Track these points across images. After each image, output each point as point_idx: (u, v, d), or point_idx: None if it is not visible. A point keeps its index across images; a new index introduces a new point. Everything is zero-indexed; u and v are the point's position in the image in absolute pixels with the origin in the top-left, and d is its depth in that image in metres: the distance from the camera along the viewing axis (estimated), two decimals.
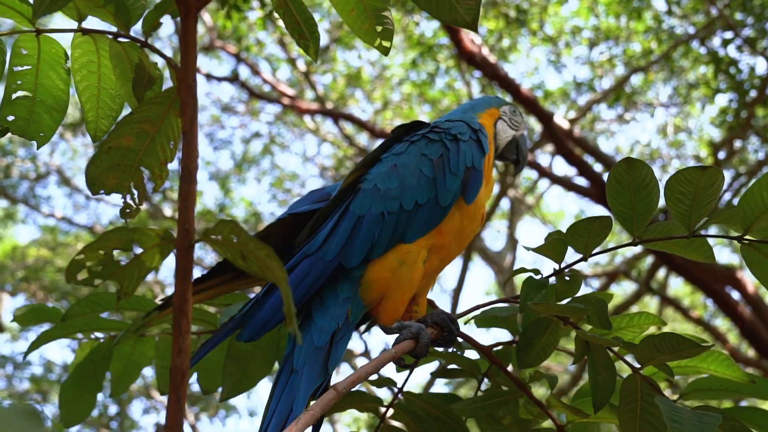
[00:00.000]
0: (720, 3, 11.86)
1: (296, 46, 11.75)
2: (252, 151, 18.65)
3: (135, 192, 1.70)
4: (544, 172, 13.12)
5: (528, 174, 17.15)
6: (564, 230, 2.11)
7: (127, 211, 1.71)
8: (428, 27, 14.00)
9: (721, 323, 17.67)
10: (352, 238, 2.11)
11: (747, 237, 1.98)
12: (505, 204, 17.69)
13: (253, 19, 13.69)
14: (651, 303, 18.87)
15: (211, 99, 19.41)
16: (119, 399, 17.44)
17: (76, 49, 1.85)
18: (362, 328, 2.29)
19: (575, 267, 2.16)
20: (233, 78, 15.28)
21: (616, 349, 2.06)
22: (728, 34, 11.78)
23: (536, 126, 14.38)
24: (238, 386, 2.37)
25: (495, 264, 17.07)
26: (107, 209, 17.95)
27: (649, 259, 13.66)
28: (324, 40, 15.77)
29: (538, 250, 2.13)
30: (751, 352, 14.41)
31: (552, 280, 2.17)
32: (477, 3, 1.73)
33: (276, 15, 10.88)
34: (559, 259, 2.13)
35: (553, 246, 2.11)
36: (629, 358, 2.06)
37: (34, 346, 2.28)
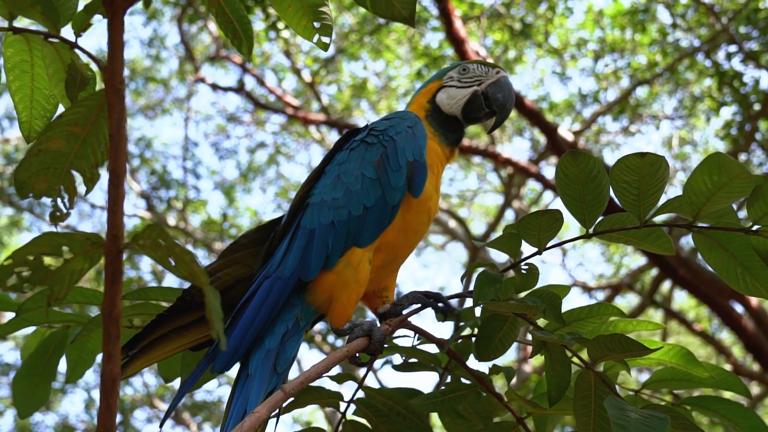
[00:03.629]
0: (724, 17, 11.86)
1: (302, 56, 11.75)
2: (257, 160, 18.68)
3: (65, 196, 1.68)
4: (548, 184, 13.09)
5: (533, 185, 17.14)
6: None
7: (57, 215, 1.69)
8: (433, 38, 14.03)
9: (726, 336, 17.59)
10: (306, 253, 2.14)
11: (696, 224, 1.96)
12: (509, 215, 17.68)
13: (257, 29, 13.72)
14: (655, 316, 18.80)
15: (216, 108, 19.46)
16: (122, 408, 17.42)
17: (8, 48, 1.83)
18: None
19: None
20: (239, 88, 15.30)
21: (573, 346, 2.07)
22: (732, 48, 11.77)
23: (541, 138, 14.38)
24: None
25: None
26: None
27: (654, 272, 13.61)
28: (329, 50, 15.78)
29: (491, 244, 2.13)
30: (755, 366, 14.34)
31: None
32: None
33: (280, 25, 10.92)
34: (514, 253, 2.12)
35: (507, 240, 2.11)
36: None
37: None
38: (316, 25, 1.85)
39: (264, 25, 12.27)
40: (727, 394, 3.43)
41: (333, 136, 17.37)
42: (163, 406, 17.71)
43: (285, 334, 2.12)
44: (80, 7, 1.78)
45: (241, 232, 17.95)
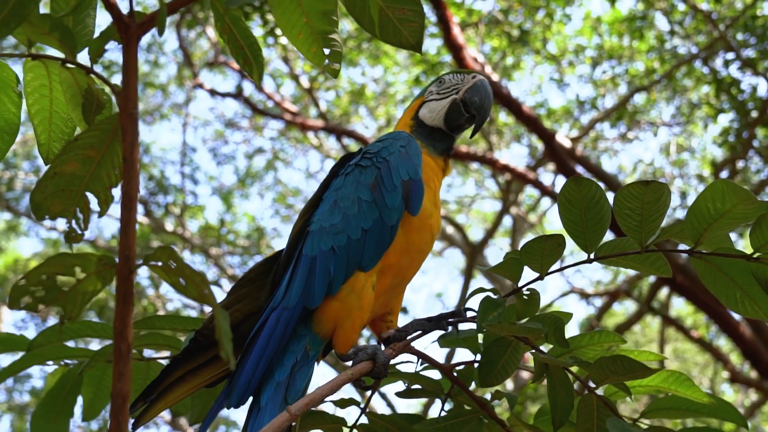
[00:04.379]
0: (722, 24, 11.88)
1: (300, 62, 11.76)
2: (255, 166, 18.69)
3: (80, 217, 1.71)
4: (546, 191, 13.10)
5: (530, 192, 17.16)
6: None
7: (72, 235, 1.71)
8: (432, 44, 14.04)
9: (724, 343, 17.59)
10: (309, 280, 2.15)
11: (698, 249, 1.98)
12: (507, 221, 17.69)
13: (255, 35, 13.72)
14: (653, 323, 18.79)
15: (215, 114, 19.48)
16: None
17: (28, 73, 1.87)
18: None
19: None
20: (237, 94, 15.32)
21: (574, 370, 2.08)
22: (730, 55, 11.79)
23: (539, 144, 14.39)
24: (205, 410, 2.41)
25: (497, 282, 17.03)
26: (110, 223, 17.98)
27: (652, 278, 13.61)
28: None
29: (494, 269, 2.14)
30: (753, 374, 14.33)
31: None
32: (420, 25, 1.76)
33: (278, 32, 10.95)
34: (516, 278, 2.13)
35: (510, 265, 2.12)
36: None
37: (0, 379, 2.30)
38: (326, 51, 1.88)
39: (262, 32, 12.28)
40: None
41: (331, 142, 17.40)
42: (161, 414, 17.68)
43: (294, 366, 2.13)
44: (96, 34, 1.81)
45: (238, 238, 18.01)
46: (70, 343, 2.31)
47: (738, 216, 1.87)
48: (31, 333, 18.98)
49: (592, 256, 2.09)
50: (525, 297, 2.13)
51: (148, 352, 2.43)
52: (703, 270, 2.00)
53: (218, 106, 26.44)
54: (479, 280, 19.50)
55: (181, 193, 17.56)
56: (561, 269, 2.16)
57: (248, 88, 15.79)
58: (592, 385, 2.02)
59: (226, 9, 1.59)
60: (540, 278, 2.13)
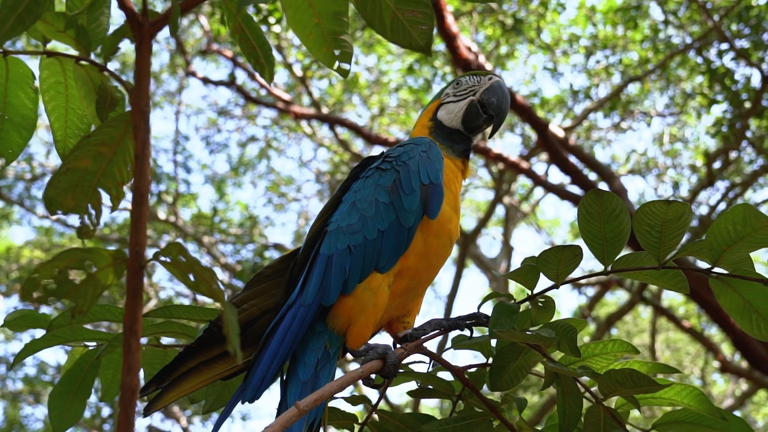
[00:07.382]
0: (716, 14, 11.90)
1: (293, 50, 11.71)
2: (248, 154, 18.66)
3: (92, 212, 1.72)
4: (539, 180, 13.12)
5: (523, 181, 17.18)
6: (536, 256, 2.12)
7: (84, 231, 1.73)
8: None
9: (715, 333, 17.68)
10: (326, 278, 2.17)
11: (715, 269, 1.99)
12: (500, 211, 17.72)
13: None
14: (644, 312, 18.87)
15: (207, 102, 19.43)
16: (112, 401, 17.40)
17: (43, 70, 1.88)
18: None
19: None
20: (230, 82, 15.27)
21: (585, 380, 2.09)
22: (724, 45, 11.82)
23: (532, 134, 14.41)
24: (220, 399, 2.44)
25: (490, 271, 17.08)
26: (103, 212, 17.90)
27: None
28: None
29: (510, 276, 2.14)
30: (744, 364, 14.43)
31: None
32: (429, 28, 1.78)
33: (270, 20, 10.92)
34: (531, 285, 2.14)
35: (526, 272, 2.12)
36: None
37: (21, 356, 2.33)
38: (336, 52, 1.89)
39: (255, 19, 12.24)
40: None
41: (324, 131, 17.38)
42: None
43: (317, 365, 2.14)
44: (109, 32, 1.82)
45: (231, 226, 18.00)
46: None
47: (758, 241, 1.89)
48: None
49: (609, 268, 2.08)
50: (540, 304, 2.14)
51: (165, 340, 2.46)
52: (720, 290, 2.01)
53: (211, 95, 26.40)
54: (472, 269, 19.56)
55: (173, 182, 17.54)
56: (576, 279, 2.16)
57: (241, 76, 15.77)
58: (600, 396, 2.04)
59: (238, 9, 1.60)
60: (555, 287, 2.14)
